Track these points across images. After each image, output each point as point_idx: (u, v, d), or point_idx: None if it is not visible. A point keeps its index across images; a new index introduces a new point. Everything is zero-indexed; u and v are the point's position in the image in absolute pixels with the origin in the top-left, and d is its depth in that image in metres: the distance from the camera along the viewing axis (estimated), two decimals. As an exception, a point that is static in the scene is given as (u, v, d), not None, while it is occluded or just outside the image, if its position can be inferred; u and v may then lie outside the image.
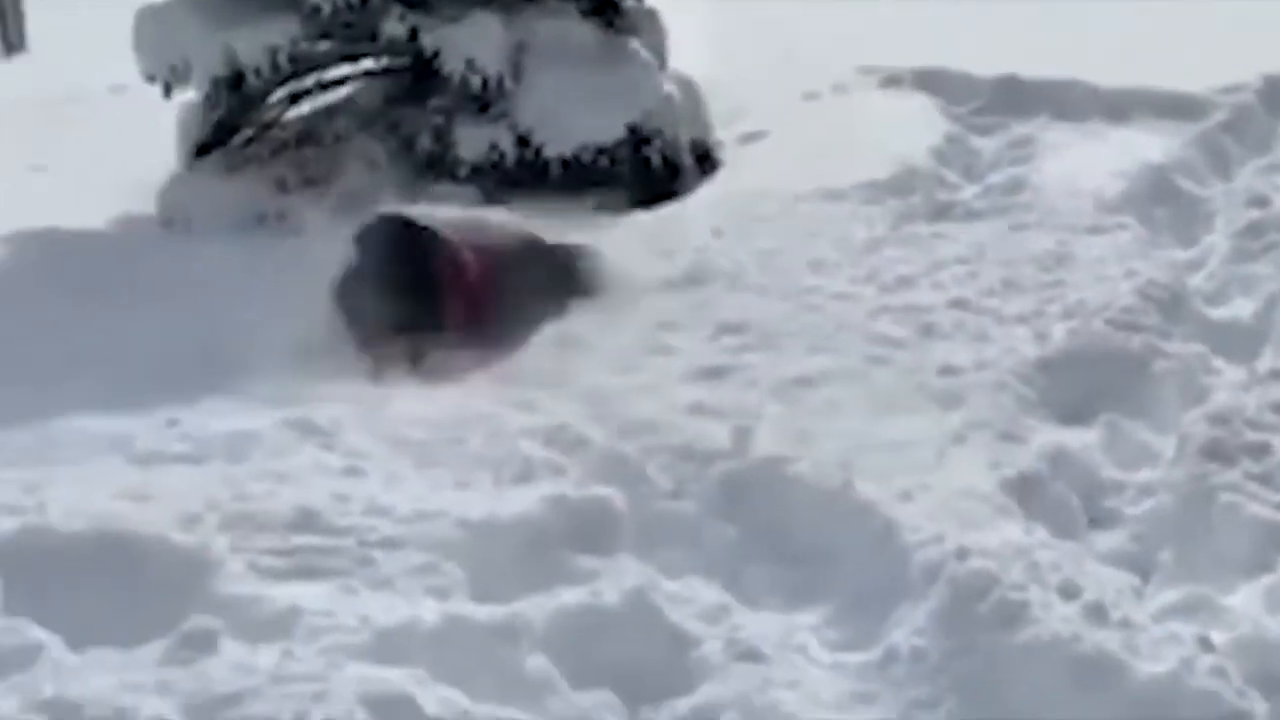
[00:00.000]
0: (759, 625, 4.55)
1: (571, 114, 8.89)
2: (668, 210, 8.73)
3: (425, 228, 6.79)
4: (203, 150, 9.20)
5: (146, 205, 8.95)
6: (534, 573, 4.72)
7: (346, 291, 6.66)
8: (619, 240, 8.01)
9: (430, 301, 6.66)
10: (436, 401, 5.97)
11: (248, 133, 9.33)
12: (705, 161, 9.41)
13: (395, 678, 3.98)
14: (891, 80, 10.34)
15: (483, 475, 5.36)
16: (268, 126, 9.38)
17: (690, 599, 4.60)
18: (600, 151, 8.95)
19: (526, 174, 8.83)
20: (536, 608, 4.40)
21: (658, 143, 9.13)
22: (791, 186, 8.67)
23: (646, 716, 4.21)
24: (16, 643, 4.23)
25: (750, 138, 9.74)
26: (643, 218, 8.55)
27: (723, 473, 5.34)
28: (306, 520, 4.83)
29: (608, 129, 8.94)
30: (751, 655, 4.36)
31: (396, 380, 6.32)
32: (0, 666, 4.14)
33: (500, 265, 6.85)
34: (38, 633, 4.27)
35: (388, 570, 4.61)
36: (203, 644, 4.12)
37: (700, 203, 8.83)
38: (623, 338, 6.68)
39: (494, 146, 8.84)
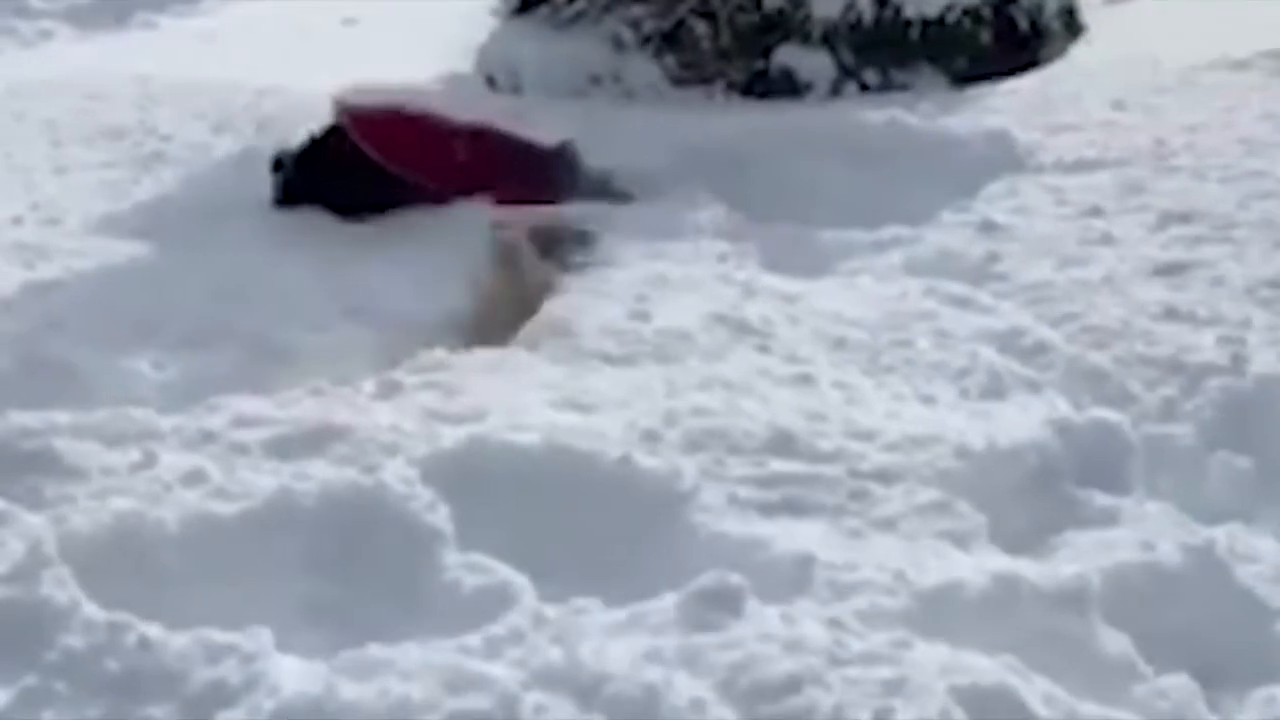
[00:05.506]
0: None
1: (935, -30, 8.06)
2: (1043, 76, 7.89)
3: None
4: (525, 5, 8.48)
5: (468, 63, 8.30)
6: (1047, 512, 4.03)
7: None
8: (1002, 110, 7.25)
9: None
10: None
11: (576, -14, 8.58)
12: (1071, 24, 8.53)
13: (985, 667, 3.21)
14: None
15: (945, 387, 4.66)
16: (598, -20, 8.62)
17: (1253, 556, 3.84)
18: (965, 12, 8.11)
19: (884, 36, 8.02)
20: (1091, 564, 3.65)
21: (1024, 1, 8.27)
22: (1183, 54, 7.80)
23: (1228, 708, 3.46)
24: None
25: (1116, -1, 8.85)
26: (1022, 85, 7.71)
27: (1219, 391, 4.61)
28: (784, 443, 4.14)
29: (973, -14, 8.11)
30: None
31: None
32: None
33: None
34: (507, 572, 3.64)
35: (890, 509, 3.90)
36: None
37: (1077, 70, 7.96)
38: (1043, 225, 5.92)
39: (851, 6, 8.02)
